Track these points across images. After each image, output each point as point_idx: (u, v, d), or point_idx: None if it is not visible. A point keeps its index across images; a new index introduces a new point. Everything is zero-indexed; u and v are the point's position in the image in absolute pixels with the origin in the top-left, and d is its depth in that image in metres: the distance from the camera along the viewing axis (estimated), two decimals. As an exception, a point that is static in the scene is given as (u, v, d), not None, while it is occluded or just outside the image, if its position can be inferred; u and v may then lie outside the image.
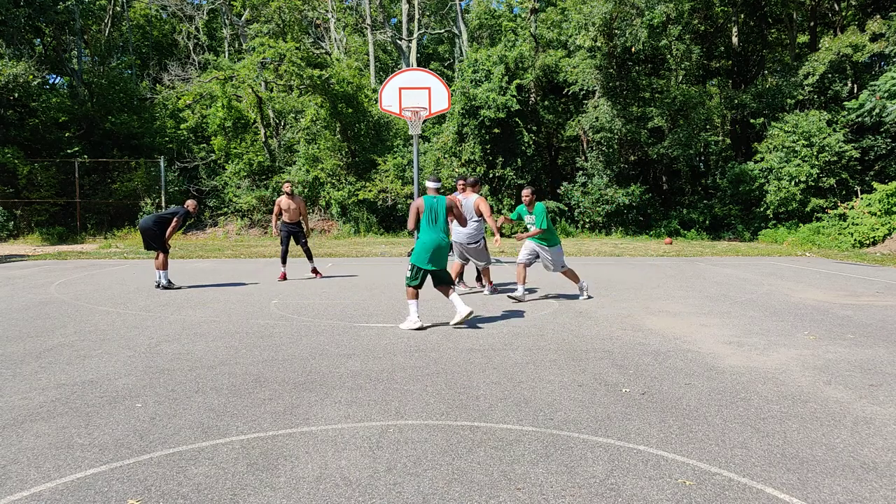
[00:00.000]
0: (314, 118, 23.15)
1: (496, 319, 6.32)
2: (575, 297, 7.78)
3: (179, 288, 8.69)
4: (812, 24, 22.47)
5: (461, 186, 7.92)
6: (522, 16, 28.58)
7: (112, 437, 3.14)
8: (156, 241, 8.50)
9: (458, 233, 7.62)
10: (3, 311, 6.83)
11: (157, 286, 8.64)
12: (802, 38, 23.63)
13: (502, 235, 19.54)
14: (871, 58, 19.86)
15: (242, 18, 31.17)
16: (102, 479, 2.67)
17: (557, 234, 8.72)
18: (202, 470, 2.76)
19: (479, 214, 7.67)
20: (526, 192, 7.44)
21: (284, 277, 9.64)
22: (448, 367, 4.48)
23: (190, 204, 8.92)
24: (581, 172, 22.34)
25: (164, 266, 8.60)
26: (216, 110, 23.58)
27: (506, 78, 21.20)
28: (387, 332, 5.71)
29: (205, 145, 25.46)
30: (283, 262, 9.77)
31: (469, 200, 7.74)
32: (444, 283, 5.90)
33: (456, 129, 21.86)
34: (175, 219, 8.62)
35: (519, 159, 21.64)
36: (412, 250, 5.95)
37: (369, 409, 3.57)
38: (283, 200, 9.58)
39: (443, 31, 34.36)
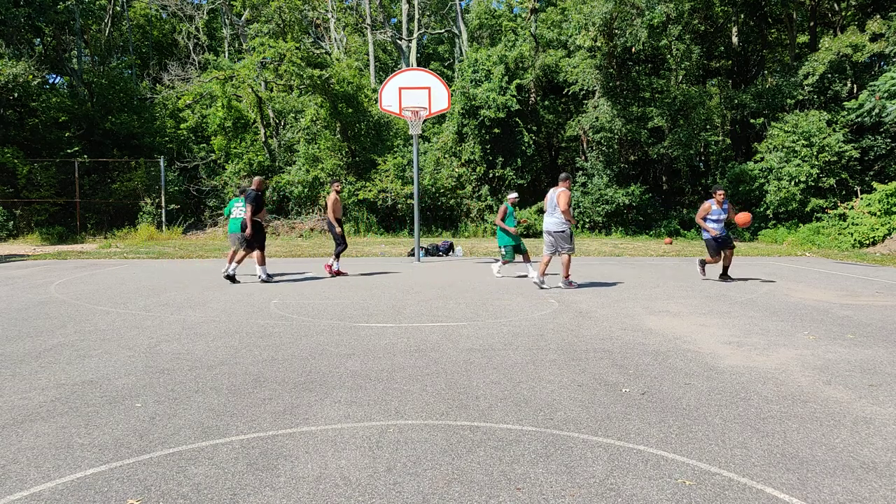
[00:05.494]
0: (314, 118, 23.15)
1: (496, 319, 6.32)
2: (575, 297, 7.79)
3: (277, 282, 9.19)
4: (812, 24, 22.48)
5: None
6: (522, 16, 28.59)
7: (112, 437, 3.14)
8: (251, 239, 8.79)
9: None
10: (3, 311, 6.83)
11: (260, 280, 9.10)
12: (802, 38, 23.63)
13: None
14: (871, 58, 19.86)
15: (242, 18, 31.16)
16: (102, 479, 2.67)
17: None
18: (202, 470, 2.76)
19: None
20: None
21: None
22: (448, 367, 4.48)
23: (256, 182, 8.98)
24: (581, 172, 22.34)
25: (262, 261, 9.01)
26: (216, 110, 23.57)
27: (506, 78, 21.20)
28: (387, 332, 5.71)
29: (205, 145, 25.45)
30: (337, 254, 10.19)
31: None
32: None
33: (456, 129, 21.87)
34: (248, 206, 8.73)
35: (519, 159, 21.65)
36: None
37: (369, 409, 3.57)
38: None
39: (443, 31, 34.35)
